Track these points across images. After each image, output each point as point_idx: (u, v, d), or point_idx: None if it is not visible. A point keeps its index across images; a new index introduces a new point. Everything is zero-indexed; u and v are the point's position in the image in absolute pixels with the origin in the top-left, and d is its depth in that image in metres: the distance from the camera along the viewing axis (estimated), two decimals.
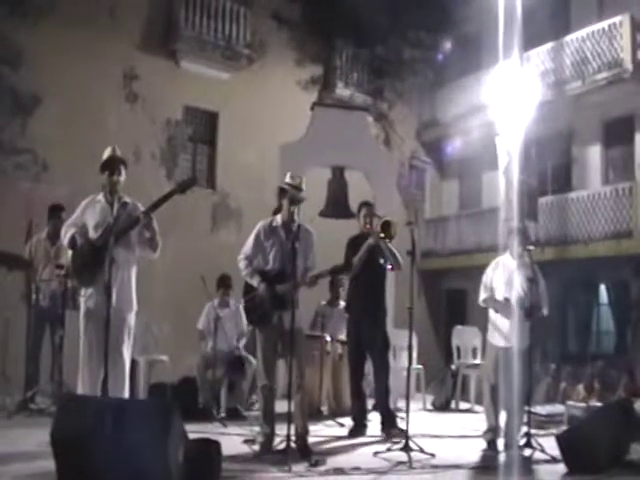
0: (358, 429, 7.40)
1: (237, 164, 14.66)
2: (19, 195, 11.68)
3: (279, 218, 6.26)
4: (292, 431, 5.77)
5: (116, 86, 13.84)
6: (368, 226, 7.44)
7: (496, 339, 6.95)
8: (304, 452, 5.89)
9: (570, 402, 9.04)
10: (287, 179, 6.27)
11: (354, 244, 7.45)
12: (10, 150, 12.49)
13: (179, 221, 13.66)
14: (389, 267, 7.23)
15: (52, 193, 10.44)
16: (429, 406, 9.97)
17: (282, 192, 6.31)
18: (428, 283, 17.22)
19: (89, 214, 5.84)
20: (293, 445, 5.78)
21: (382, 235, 7.08)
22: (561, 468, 5.95)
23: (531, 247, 7.07)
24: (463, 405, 10.03)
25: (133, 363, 8.60)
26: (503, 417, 6.84)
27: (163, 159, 14.28)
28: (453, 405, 10.03)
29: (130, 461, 4.26)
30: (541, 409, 8.71)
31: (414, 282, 6.52)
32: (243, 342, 8.61)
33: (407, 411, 6.39)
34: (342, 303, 9.33)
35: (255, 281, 6.14)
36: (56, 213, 8.11)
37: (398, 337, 8.77)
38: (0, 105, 12.40)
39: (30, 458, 5.27)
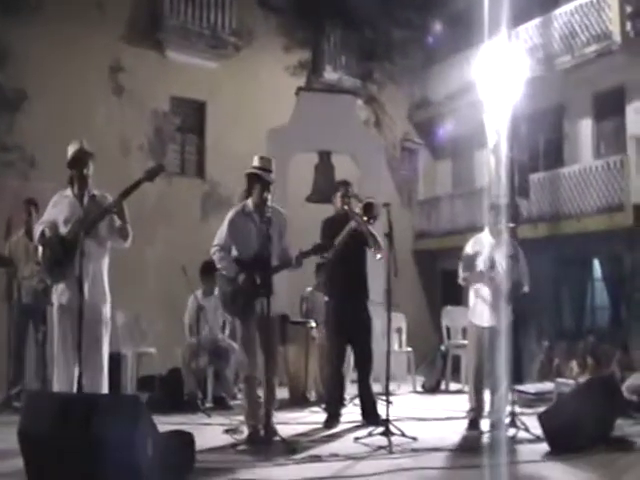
0: (333, 420, 7.11)
1: (227, 153, 14.58)
2: (6, 193, 11.65)
3: (250, 203, 6.18)
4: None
5: (102, 79, 13.84)
6: (345, 207, 7.11)
7: (476, 318, 6.96)
8: (268, 432, 5.89)
9: (559, 379, 8.99)
10: (255, 162, 6.21)
11: (330, 226, 7.17)
12: None
13: (169, 212, 13.73)
14: (378, 256, 6.96)
15: (40, 190, 10.40)
16: (419, 388, 9.94)
17: (251, 177, 6.21)
18: (422, 264, 17.32)
19: (58, 210, 5.78)
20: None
21: (365, 218, 6.92)
22: (544, 447, 5.92)
23: (511, 224, 7.06)
24: (454, 386, 9.98)
25: (119, 356, 8.69)
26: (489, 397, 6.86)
27: (151, 150, 14.25)
28: (443, 386, 10.00)
29: (97, 457, 4.24)
30: (530, 387, 8.68)
31: (391, 264, 6.49)
32: (227, 331, 8.60)
33: (387, 395, 6.38)
34: None
35: (233, 271, 6.05)
36: (26, 207, 8.11)
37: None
38: None
39: (7, 456, 5.21)
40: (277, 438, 5.82)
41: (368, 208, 6.97)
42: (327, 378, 7.50)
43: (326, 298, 7.51)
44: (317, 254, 6.21)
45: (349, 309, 7.17)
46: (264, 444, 5.81)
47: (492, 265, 6.84)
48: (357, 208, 7.12)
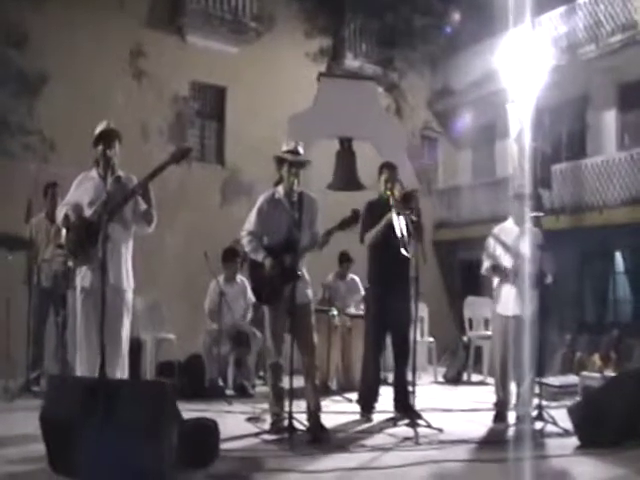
0: (369, 413, 6.94)
1: (247, 139, 14.49)
2: (27, 176, 11.58)
3: (281, 189, 6.06)
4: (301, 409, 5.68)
5: (122, 64, 13.71)
6: (389, 192, 6.82)
7: (501, 308, 6.83)
8: (317, 430, 5.77)
9: (584, 373, 8.86)
10: (283, 147, 6.11)
11: (373, 209, 6.93)
12: (18, 131, 12.43)
13: (189, 197, 13.62)
14: (406, 254, 6.56)
15: (60, 173, 10.33)
16: (440, 379, 9.83)
17: (280, 162, 6.10)
18: (442, 254, 17.13)
19: (83, 191, 5.65)
20: (298, 424, 5.70)
21: (403, 207, 6.63)
22: (573, 441, 5.80)
23: (540, 214, 6.92)
24: (475, 377, 9.88)
25: (139, 342, 8.62)
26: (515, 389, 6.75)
27: (171, 136, 14.13)
28: (465, 377, 9.89)
29: (121, 443, 4.15)
30: (554, 380, 8.55)
31: (419, 251, 6.36)
32: (249, 316, 8.50)
33: (413, 385, 6.27)
34: (351, 275, 9.24)
35: (260, 256, 5.95)
36: (51, 191, 8.05)
37: None
38: (7, 87, 12.31)
39: (27, 441, 5.15)
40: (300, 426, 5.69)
41: (407, 197, 6.73)
42: (363, 368, 7.18)
43: (367, 285, 7.34)
44: (343, 229, 5.89)
45: (389, 298, 6.90)
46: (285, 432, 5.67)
47: (514, 255, 6.71)
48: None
